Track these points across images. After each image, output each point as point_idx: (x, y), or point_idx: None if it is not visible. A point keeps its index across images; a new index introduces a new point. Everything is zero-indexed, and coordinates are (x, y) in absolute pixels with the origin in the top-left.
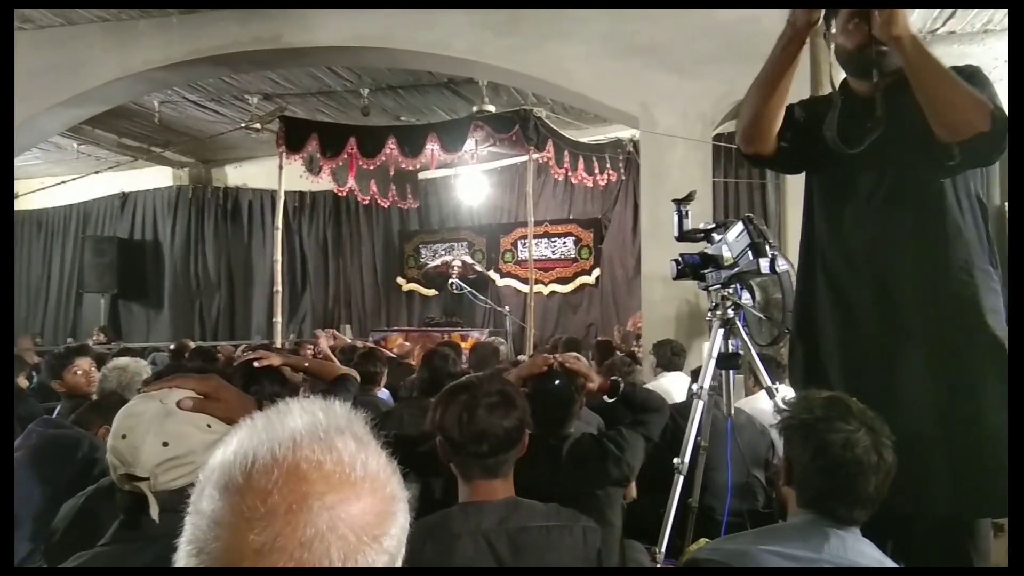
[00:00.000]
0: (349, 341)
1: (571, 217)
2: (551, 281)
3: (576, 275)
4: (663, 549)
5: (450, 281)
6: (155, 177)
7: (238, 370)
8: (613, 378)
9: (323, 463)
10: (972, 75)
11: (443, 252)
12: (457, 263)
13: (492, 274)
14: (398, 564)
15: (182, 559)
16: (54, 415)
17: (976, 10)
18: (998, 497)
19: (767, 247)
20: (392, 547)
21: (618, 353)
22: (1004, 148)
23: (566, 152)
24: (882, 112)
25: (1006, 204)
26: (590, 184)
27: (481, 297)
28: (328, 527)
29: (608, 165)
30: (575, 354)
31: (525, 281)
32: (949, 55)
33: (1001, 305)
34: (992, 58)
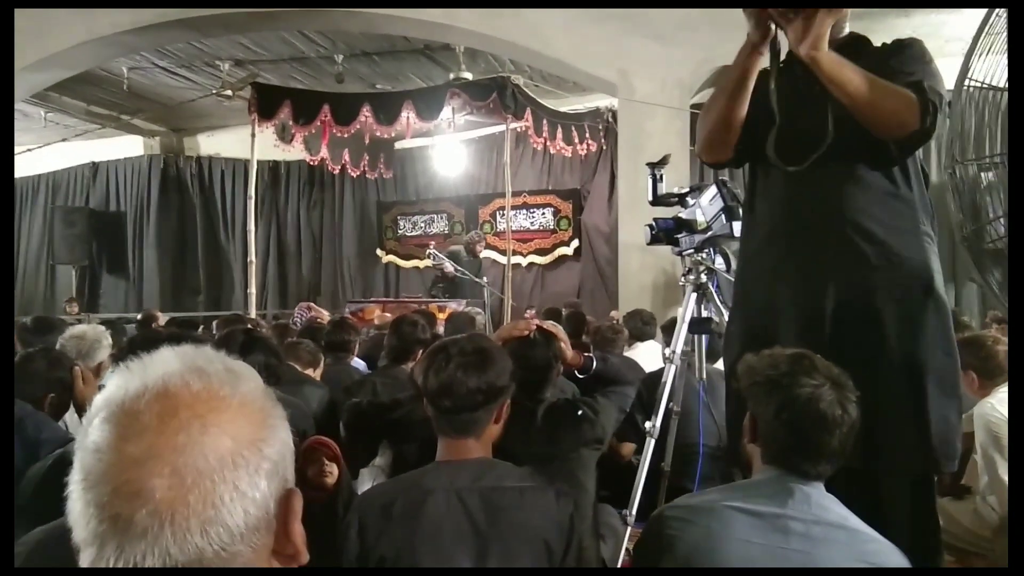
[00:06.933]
0: (327, 315)
1: (550, 188)
2: (530, 252)
3: (555, 246)
4: (633, 512)
5: (428, 252)
6: (126, 146)
7: (231, 339)
8: (587, 355)
9: (191, 384)
10: (907, 47)
11: (422, 224)
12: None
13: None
14: (284, 476)
15: (73, 492)
16: None
17: None
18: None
19: (740, 211)
20: (273, 455)
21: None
22: (935, 129)
23: (544, 121)
24: (831, 127)
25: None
26: (569, 154)
27: (460, 268)
28: (200, 432)
29: (587, 135)
30: (552, 322)
31: (503, 252)
32: (927, 25)
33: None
34: (967, 27)
